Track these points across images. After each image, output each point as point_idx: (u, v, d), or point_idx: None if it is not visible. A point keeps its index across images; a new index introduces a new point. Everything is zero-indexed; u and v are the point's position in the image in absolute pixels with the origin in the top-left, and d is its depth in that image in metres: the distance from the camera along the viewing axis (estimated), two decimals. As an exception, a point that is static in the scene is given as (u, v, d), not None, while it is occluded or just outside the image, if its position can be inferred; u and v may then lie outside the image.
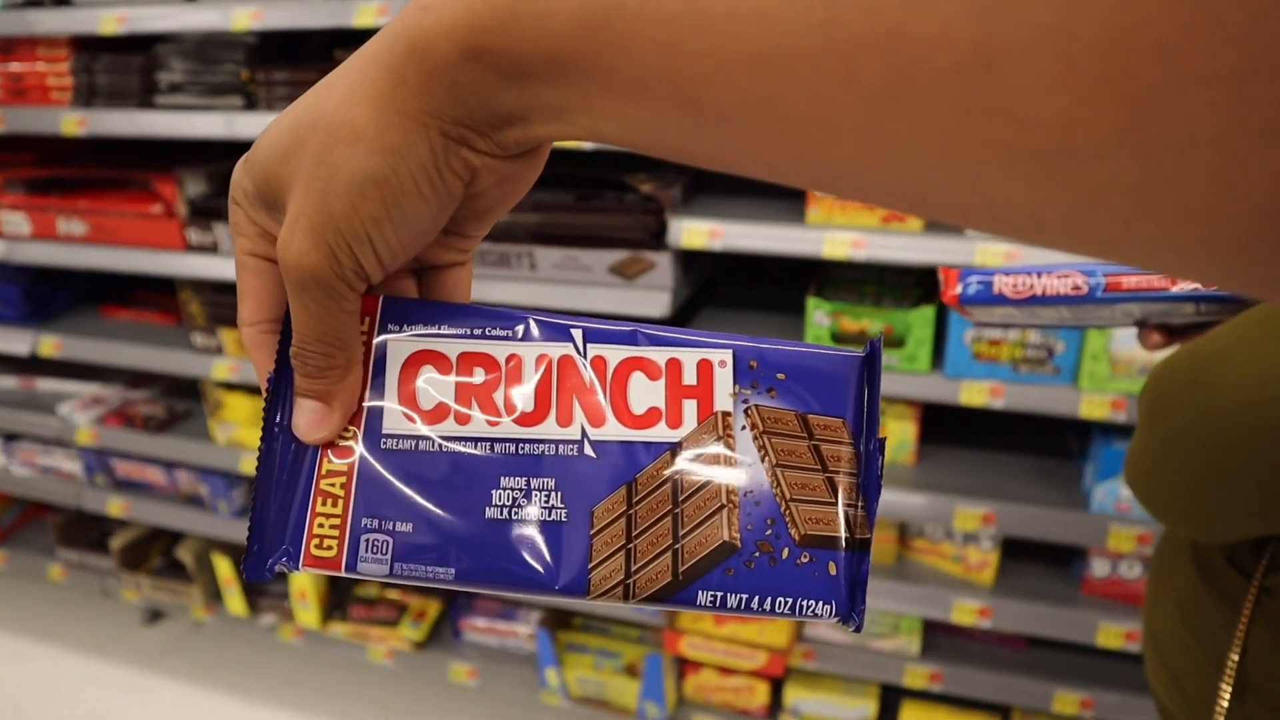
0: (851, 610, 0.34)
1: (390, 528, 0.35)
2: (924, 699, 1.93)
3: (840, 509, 0.35)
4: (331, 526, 0.35)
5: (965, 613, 1.74)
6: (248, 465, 2.10)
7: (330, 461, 0.36)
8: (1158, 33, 0.17)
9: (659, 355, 0.36)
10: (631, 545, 0.35)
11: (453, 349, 0.36)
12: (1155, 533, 1.57)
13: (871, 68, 0.21)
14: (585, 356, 0.36)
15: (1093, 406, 1.54)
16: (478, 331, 0.37)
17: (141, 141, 2.13)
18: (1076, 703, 1.77)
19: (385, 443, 0.36)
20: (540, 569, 0.35)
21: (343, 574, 0.35)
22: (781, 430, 0.35)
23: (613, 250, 1.65)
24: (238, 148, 2.04)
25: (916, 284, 1.71)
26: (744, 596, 0.34)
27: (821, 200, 1.54)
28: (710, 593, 0.34)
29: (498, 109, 0.29)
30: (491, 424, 0.36)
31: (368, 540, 0.35)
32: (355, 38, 1.76)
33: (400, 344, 0.36)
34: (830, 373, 0.36)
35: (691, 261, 1.79)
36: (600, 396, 0.36)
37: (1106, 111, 0.18)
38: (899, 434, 1.74)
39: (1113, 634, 1.67)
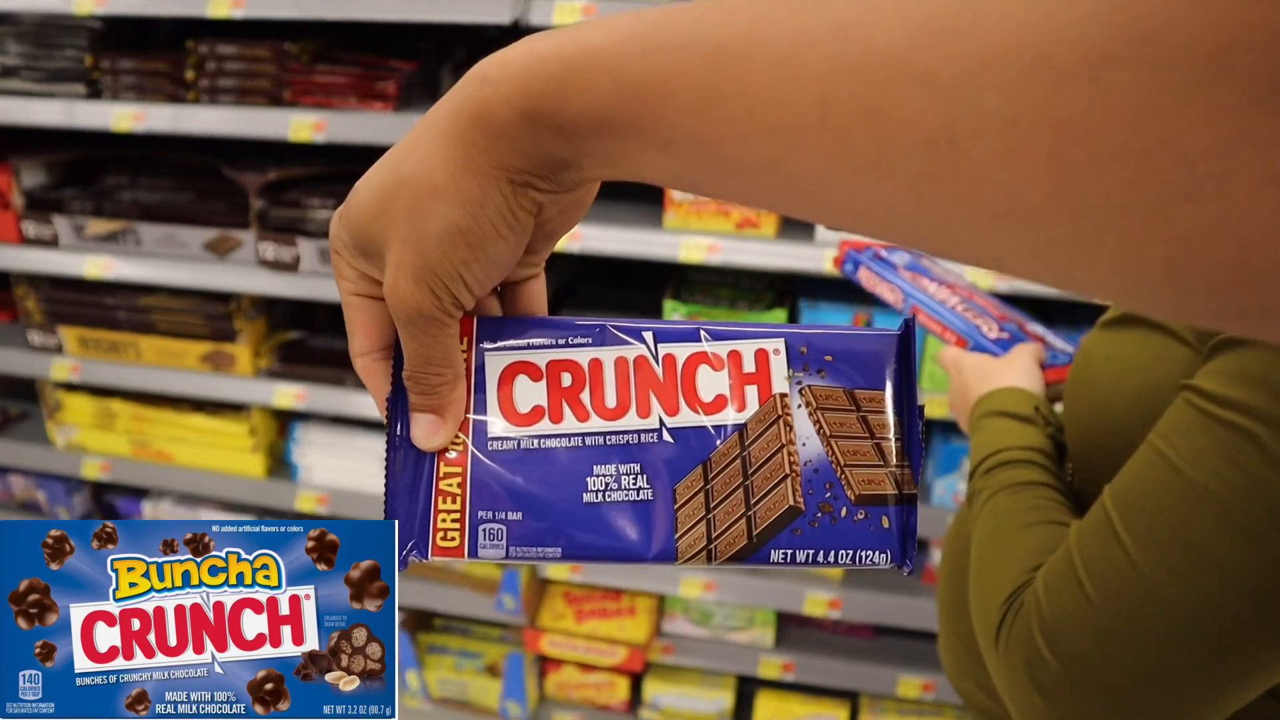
0: (904, 556, 0.39)
1: (503, 517, 0.40)
2: (778, 688, 2.00)
3: (888, 470, 0.39)
4: (453, 520, 0.40)
5: (817, 604, 1.81)
6: (90, 469, 2.01)
7: (447, 465, 0.41)
8: (1080, 120, 0.21)
9: (721, 349, 0.41)
10: (711, 515, 0.40)
11: (542, 358, 0.41)
12: (990, 524, 1.67)
13: (859, 140, 0.25)
14: (657, 355, 0.41)
15: (933, 406, 1.62)
16: (561, 341, 0.41)
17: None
18: (919, 686, 1.86)
19: (491, 445, 0.41)
20: (635, 542, 0.40)
21: (466, 560, 0.40)
22: (832, 405, 0.40)
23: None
24: (79, 137, 1.96)
25: (769, 287, 1.77)
26: (810, 552, 0.39)
27: (679, 205, 1.58)
28: (781, 551, 0.39)
29: (554, 158, 0.33)
30: (581, 421, 0.41)
31: (485, 529, 0.40)
32: (208, 28, 1.71)
33: (496, 358, 0.41)
34: (870, 351, 0.40)
35: (552, 263, 1.80)
36: (673, 389, 0.41)
37: (1042, 182, 0.22)
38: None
39: (952, 621, 1.76)
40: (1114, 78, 0.20)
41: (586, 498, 0.40)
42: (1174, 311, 0.24)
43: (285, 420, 1.98)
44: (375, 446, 1.88)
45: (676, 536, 0.39)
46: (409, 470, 0.41)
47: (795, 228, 1.62)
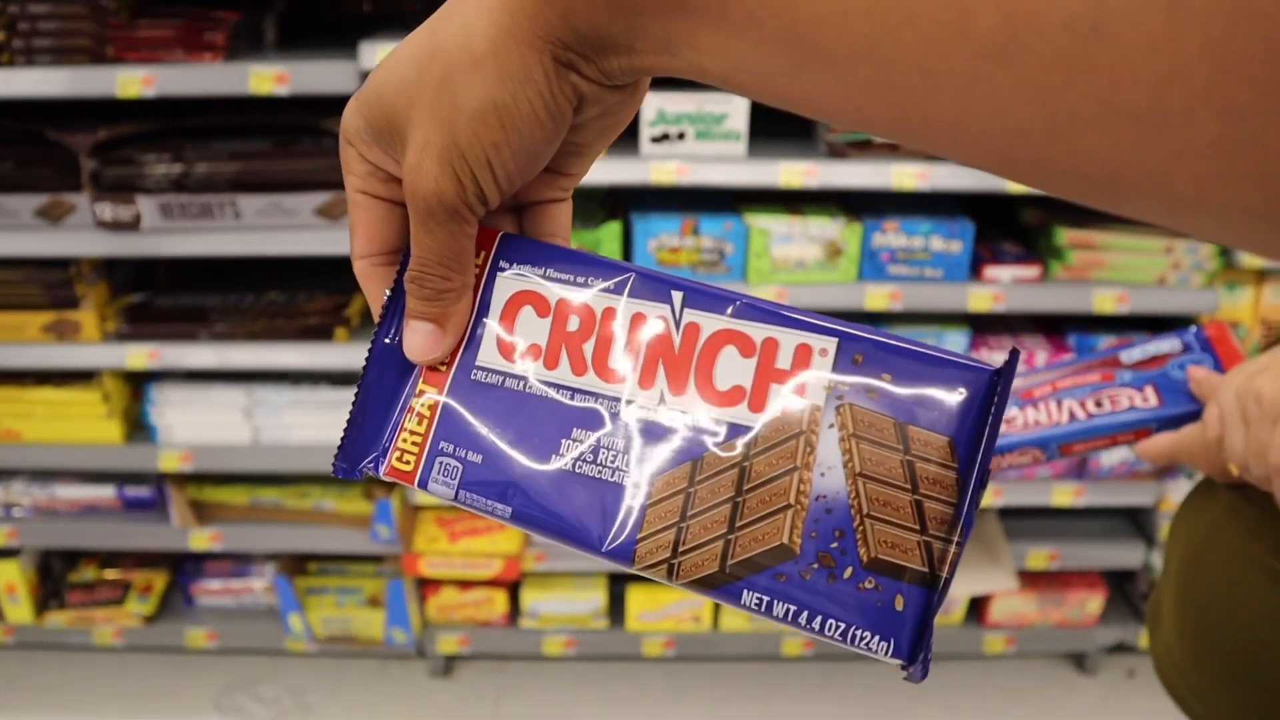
0: (915, 655, 0.31)
1: (463, 456, 0.37)
2: (647, 583, 2.15)
3: (923, 538, 0.31)
4: (414, 444, 0.38)
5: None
6: (-68, 457, 1.97)
7: (424, 384, 0.38)
8: (1261, 4, 0.19)
9: (756, 332, 0.34)
10: (684, 525, 0.34)
11: (554, 293, 0.37)
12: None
13: (984, 19, 0.22)
14: (679, 322, 0.35)
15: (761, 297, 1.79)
16: (581, 280, 0.37)
17: None
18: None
19: (475, 374, 0.38)
20: (590, 528, 0.35)
21: (415, 488, 0.38)
22: (873, 437, 0.32)
23: (316, 193, 1.72)
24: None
25: (600, 205, 1.90)
26: (791, 608, 0.32)
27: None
28: (756, 595, 0.33)
29: (607, 38, 0.30)
30: (576, 374, 0.36)
31: (441, 463, 0.37)
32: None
33: (507, 281, 0.38)
34: (946, 382, 0.32)
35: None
36: (686, 365, 0.35)
37: (1200, 74, 0.20)
38: (601, 343, 1.92)
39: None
40: None
41: (555, 462, 0.36)
42: None
43: (139, 382, 1.99)
44: (234, 398, 1.92)
45: (639, 537, 0.34)
46: (389, 380, 0.39)
47: (617, 143, 1.75)
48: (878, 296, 1.79)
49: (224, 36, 1.61)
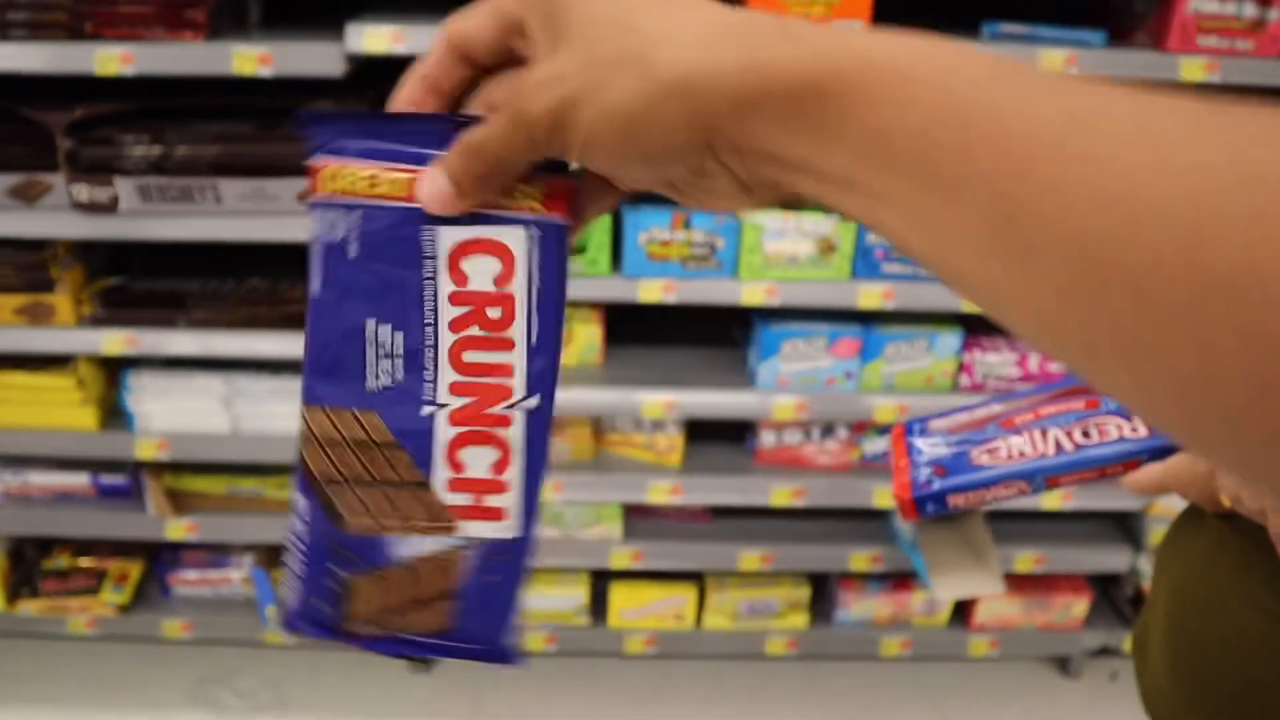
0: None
1: (345, 243, 0.40)
2: (629, 577, 2.13)
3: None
4: (346, 187, 0.40)
5: (659, 493, 1.94)
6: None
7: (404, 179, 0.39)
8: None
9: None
10: (350, 478, 0.42)
11: (525, 282, 0.39)
12: (810, 399, 1.83)
13: (1227, 251, 0.20)
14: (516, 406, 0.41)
15: (752, 294, 1.76)
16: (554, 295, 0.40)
17: None
18: (758, 559, 2.03)
19: (422, 226, 0.39)
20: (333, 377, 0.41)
21: (307, 202, 0.42)
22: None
23: (300, 178, 1.68)
24: None
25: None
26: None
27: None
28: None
29: (781, 151, 0.29)
30: (463, 318, 0.40)
31: (329, 218, 0.41)
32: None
33: (520, 242, 0.39)
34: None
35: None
36: (505, 452, 0.42)
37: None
38: (586, 336, 1.89)
39: (783, 494, 1.93)
40: None
41: (366, 326, 0.40)
42: None
43: (115, 368, 1.94)
44: (213, 386, 1.88)
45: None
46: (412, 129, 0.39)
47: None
48: (871, 295, 1.76)
49: (206, 14, 1.56)
